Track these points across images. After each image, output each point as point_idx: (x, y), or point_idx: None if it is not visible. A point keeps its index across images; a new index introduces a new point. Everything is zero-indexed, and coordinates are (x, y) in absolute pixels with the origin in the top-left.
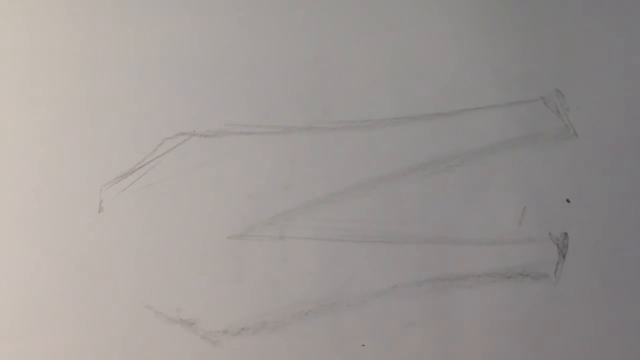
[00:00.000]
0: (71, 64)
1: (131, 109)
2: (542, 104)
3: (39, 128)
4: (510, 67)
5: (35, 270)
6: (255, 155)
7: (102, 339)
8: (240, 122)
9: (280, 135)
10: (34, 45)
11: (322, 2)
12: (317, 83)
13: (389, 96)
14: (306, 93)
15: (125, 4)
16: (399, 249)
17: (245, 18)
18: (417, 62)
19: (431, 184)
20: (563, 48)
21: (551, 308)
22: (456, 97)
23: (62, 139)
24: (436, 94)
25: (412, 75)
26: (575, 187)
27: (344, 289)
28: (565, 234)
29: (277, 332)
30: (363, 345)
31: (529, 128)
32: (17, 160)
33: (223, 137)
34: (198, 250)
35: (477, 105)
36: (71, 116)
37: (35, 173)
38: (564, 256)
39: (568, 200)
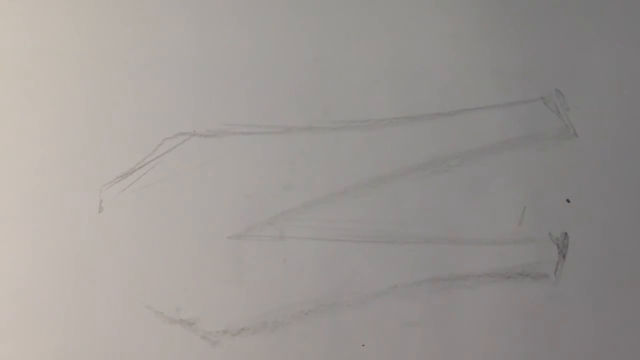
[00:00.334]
0: (71, 64)
1: (131, 109)
2: (542, 104)
3: (39, 128)
4: (510, 67)
5: (35, 270)
6: (255, 155)
7: (102, 339)
8: (240, 122)
9: (280, 135)
10: (34, 45)
11: (322, 2)
12: (317, 83)
13: (389, 96)
14: (306, 93)
15: (125, 4)
16: (399, 249)
17: (245, 18)
18: (417, 62)
19: (431, 184)
20: (563, 48)
21: (551, 308)
22: (456, 97)
23: (62, 139)
24: (436, 94)
25: (412, 75)
26: (575, 187)
27: (344, 289)
28: (565, 234)
29: (277, 332)
30: (363, 345)
31: (529, 128)
32: (17, 160)
33: (223, 137)
34: (198, 251)
35: (477, 105)
36: (71, 116)
37: (35, 173)
38: (564, 256)
39: (568, 200)
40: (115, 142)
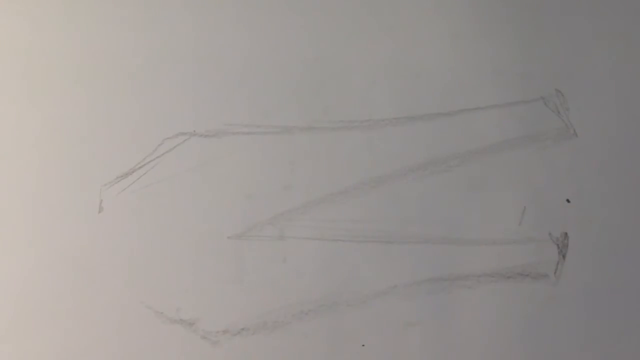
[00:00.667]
0: (71, 64)
1: (131, 109)
2: (542, 104)
3: (39, 128)
4: (510, 67)
5: (35, 270)
6: (255, 155)
7: (102, 339)
8: (240, 122)
9: (280, 135)
10: (34, 45)
11: (322, 2)
12: (317, 83)
13: (389, 96)
14: (306, 93)
15: (125, 4)
16: (399, 249)
17: (245, 18)
18: (417, 62)
19: (431, 184)
20: (563, 48)
21: (551, 308)
22: (456, 97)
23: (62, 139)
24: (436, 94)
25: (412, 75)
26: (575, 187)
27: (344, 289)
28: (565, 234)
29: (277, 332)
30: (363, 345)
31: (529, 128)
32: (17, 160)
33: (223, 137)
34: (198, 250)
35: (477, 105)
36: (71, 116)
37: (35, 173)
38: (564, 256)
39: (568, 200)
40: (115, 142)
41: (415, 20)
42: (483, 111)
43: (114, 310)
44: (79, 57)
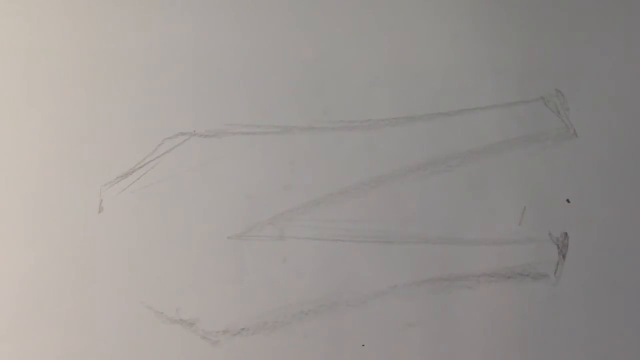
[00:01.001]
0: (71, 64)
1: (131, 109)
2: (542, 104)
3: (39, 128)
4: (510, 67)
5: (35, 270)
6: (255, 155)
7: (102, 339)
8: (240, 122)
9: (280, 135)
10: (34, 45)
11: (322, 2)
12: (317, 83)
13: (389, 96)
14: (306, 93)
15: (125, 4)
16: (399, 249)
17: (245, 18)
18: (416, 62)
19: (431, 184)
20: (563, 48)
21: (551, 308)
22: (456, 97)
23: (62, 139)
24: (436, 94)
25: (412, 75)
26: (575, 187)
27: (344, 289)
28: (565, 234)
29: (277, 332)
30: (363, 345)
31: (529, 128)
32: (17, 160)
33: (223, 137)
34: (198, 250)
35: (477, 105)
36: (71, 116)
37: (35, 173)
38: (564, 256)
39: (568, 200)
40: (115, 142)
41: (415, 20)
42: (483, 111)
43: (114, 310)
44: (79, 57)
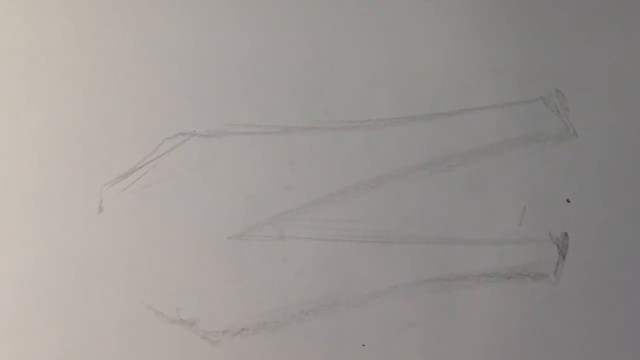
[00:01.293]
0: (71, 64)
1: (131, 109)
2: (542, 104)
3: (39, 128)
4: (510, 67)
5: (35, 270)
6: (255, 155)
7: (102, 339)
8: (240, 122)
9: (280, 135)
10: (34, 45)
11: (322, 2)
12: (317, 83)
13: (389, 96)
14: (306, 93)
15: (125, 4)
16: (399, 249)
17: (245, 18)
18: (416, 62)
19: (431, 184)
20: (563, 48)
21: (551, 308)
22: (456, 97)
23: (62, 139)
24: (436, 94)
25: (412, 75)
26: (575, 187)
27: (344, 289)
28: (565, 234)
29: (277, 332)
30: (363, 345)
31: (529, 128)
32: (17, 160)
33: (223, 137)
34: (198, 250)
35: (477, 105)
36: (71, 116)
37: (35, 173)
38: (564, 256)
39: (568, 200)
40: (115, 142)
41: (415, 20)
42: (483, 111)
43: (114, 310)
44: (79, 57)
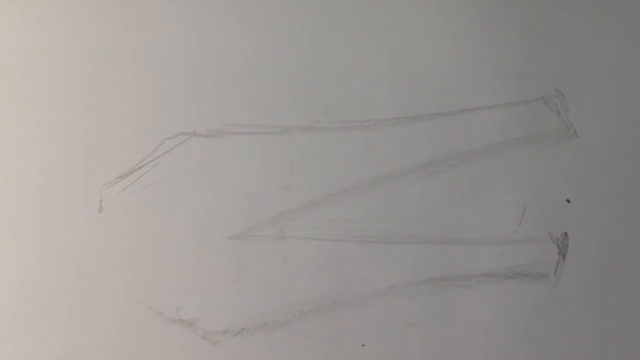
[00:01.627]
0: (71, 64)
1: (131, 109)
2: (542, 104)
3: (39, 128)
4: (510, 67)
5: (35, 270)
6: (255, 155)
7: (102, 339)
8: (240, 122)
9: (280, 135)
10: (34, 45)
11: (322, 2)
12: (317, 83)
13: (389, 96)
14: (306, 93)
15: (125, 4)
16: (398, 249)
17: (244, 18)
18: (416, 62)
19: (431, 184)
20: (563, 48)
21: (551, 308)
22: (456, 97)
23: (62, 139)
24: (436, 94)
25: (412, 75)
26: (575, 187)
27: (344, 289)
28: (565, 234)
29: (277, 332)
30: (363, 345)
31: (529, 128)
32: (17, 160)
33: (223, 137)
34: (198, 250)
35: (477, 105)
36: (71, 116)
37: (35, 173)
38: (564, 256)
39: (568, 200)
40: (115, 142)
41: (415, 20)
42: (483, 111)
43: (114, 310)
44: (79, 57)
